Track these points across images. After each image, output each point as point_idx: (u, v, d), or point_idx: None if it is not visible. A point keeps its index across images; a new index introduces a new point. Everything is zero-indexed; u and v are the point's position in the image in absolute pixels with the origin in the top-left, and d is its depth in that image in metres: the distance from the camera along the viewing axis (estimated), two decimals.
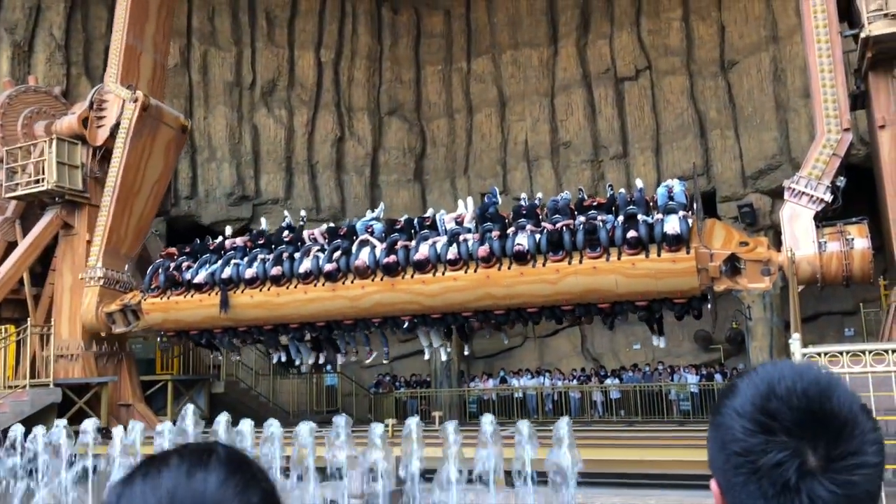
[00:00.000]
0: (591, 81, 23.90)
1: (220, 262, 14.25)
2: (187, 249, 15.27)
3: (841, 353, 5.32)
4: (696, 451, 9.80)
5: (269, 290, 13.60)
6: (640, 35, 23.38)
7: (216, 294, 13.99)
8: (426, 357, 15.41)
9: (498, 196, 13.55)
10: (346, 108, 25.43)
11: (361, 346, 14.94)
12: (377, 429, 9.03)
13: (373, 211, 15.13)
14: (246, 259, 14.01)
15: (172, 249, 15.67)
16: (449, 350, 14.71)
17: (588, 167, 23.46)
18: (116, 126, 15.89)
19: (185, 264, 14.65)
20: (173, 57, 22.74)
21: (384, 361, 15.94)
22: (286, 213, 17.10)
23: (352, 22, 25.60)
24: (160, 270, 14.76)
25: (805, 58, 12.60)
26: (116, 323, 15.38)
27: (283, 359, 15.57)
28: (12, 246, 16.26)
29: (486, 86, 25.44)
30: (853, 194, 11.52)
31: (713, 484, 1.06)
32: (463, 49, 25.98)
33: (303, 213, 17.42)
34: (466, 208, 13.42)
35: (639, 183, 12.99)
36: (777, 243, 12.16)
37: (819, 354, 5.43)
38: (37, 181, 15.67)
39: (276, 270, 13.45)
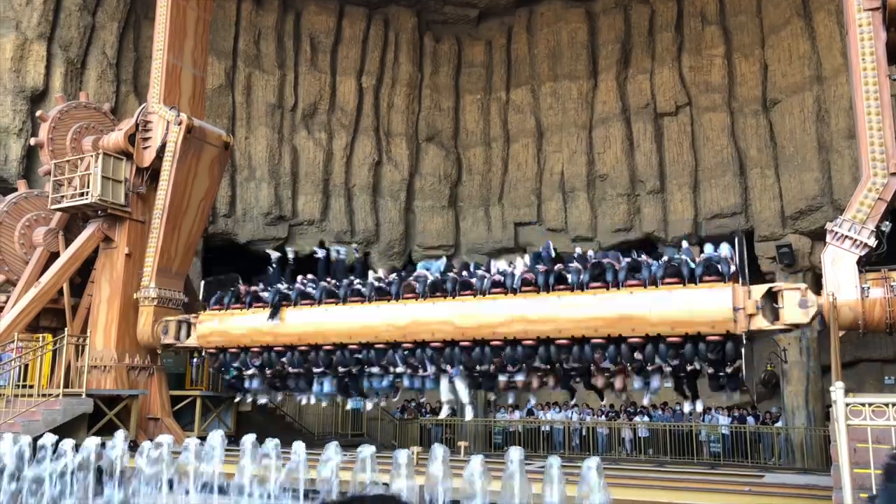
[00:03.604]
0: (630, 116, 23.83)
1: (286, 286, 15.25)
2: (260, 285, 15.84)
3: (887, 404, 5.11)
4: (729, 496, 9.54)
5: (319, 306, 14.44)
6: (681, 71, 23.31)
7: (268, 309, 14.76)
8: (442, 415, 15.00)
9: (552, 250, 13.73)
10: (384, 133, 25.69)
11: (387, 395, 15.02)
12: (401, 456, 8.99)
13: (434, 261, 15.52)
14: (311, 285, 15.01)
15: (245, 287, 15.96)
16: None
17: (624, 201, 23.31)
18: (162, 147, 16.25)
19: (253, 288, 15.55)
20: (218, 77, 23.27)
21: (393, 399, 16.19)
22: (316, 248, 17.57)
23: (394, 50, 25.95)
24: (230, 293, 15.62)
25: (851, 99, 12.43)
26: (168, 332, 15.80)
27: (312, 401, 15.68)
28: (55, 256, 16.61)
29: (524, 116, 25.52)
30: None
31: None
32: (502, 79, 26.14)
33: (354, 246, 17.90)
34: (524, 264, 13.62)
35: (684, 244, 13.14)
36: (816, 285, 11.91)
37: (863, 405, 5.22)
38: (81, 194, 16.05)
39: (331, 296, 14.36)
